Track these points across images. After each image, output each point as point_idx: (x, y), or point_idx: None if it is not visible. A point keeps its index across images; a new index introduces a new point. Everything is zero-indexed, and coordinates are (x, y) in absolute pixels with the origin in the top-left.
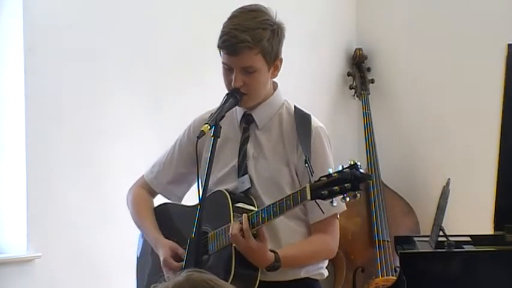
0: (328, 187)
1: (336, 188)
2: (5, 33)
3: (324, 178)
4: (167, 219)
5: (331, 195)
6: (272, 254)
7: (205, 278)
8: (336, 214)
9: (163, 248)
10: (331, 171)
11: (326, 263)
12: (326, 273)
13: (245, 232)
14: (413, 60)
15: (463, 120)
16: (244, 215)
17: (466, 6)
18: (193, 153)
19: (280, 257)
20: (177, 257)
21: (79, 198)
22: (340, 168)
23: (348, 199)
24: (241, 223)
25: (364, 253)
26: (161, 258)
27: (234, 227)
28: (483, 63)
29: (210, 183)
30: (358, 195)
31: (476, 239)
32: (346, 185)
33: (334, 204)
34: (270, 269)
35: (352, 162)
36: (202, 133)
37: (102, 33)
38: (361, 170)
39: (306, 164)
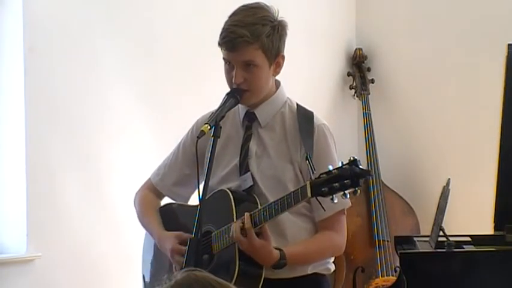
0: (328, 184)
1: (336, 184)
2: (5, 33)
3: (324, 175)
4: (172, 219)
5: (332, 191)
6: (277, 251)
7: (210, 277)
8: (342, 210)
9: (168, 240)
10: (331, 168)
11: (333, 257)
12: (333, 267)
13: (247, 231)
14: (413, 60)
15: (463, 120)
16: (246, 214)
17: (466, 6)
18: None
19: (286, 254)
20: (184, 243)
21: (79, 198)
22: (340, 164)
23: (348, 195)
24: (242, 222)
25: (364, 253)
26: (168, 250)
27: (235, 226)
28: (483, 63)
29: (213, 182)
30: (358, 191)
31: (476, 239)
32: (345, 181)
33: (335, 201)
34: (276, 266)
35: (351, 159)
36: (203, 133)
37: (102, 34)
38: (361, 166)
39: (307, 161)
